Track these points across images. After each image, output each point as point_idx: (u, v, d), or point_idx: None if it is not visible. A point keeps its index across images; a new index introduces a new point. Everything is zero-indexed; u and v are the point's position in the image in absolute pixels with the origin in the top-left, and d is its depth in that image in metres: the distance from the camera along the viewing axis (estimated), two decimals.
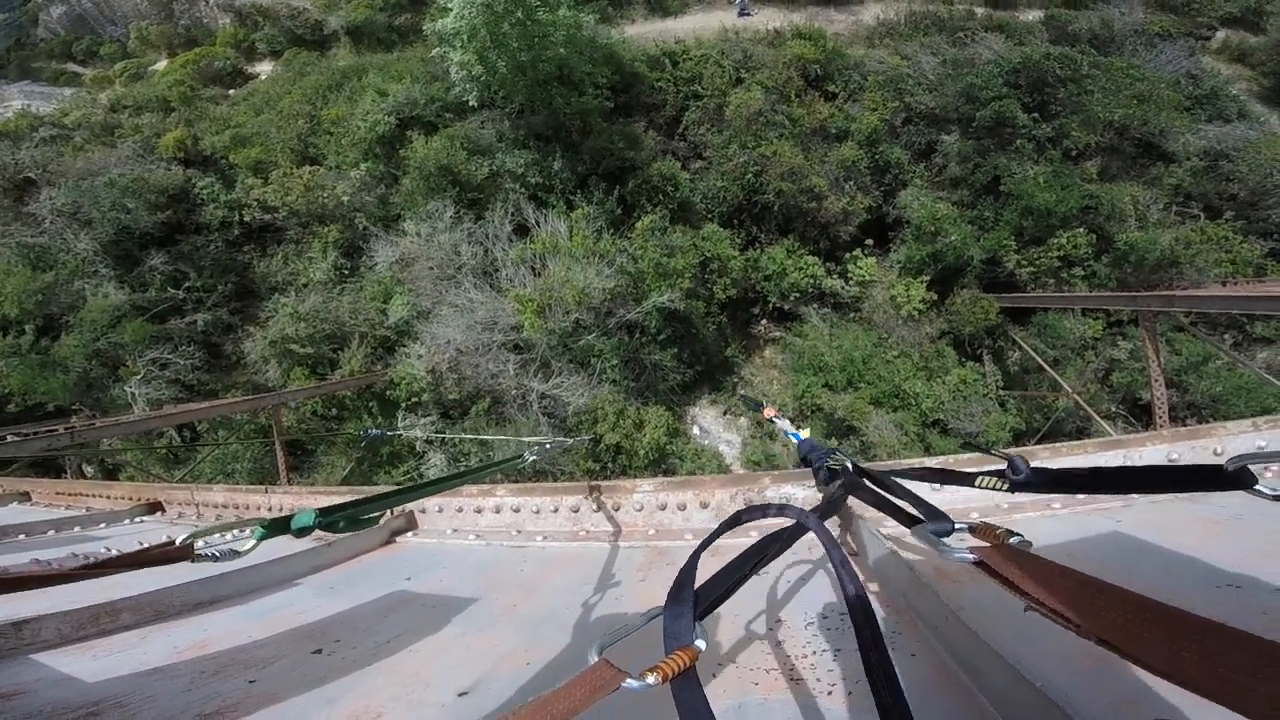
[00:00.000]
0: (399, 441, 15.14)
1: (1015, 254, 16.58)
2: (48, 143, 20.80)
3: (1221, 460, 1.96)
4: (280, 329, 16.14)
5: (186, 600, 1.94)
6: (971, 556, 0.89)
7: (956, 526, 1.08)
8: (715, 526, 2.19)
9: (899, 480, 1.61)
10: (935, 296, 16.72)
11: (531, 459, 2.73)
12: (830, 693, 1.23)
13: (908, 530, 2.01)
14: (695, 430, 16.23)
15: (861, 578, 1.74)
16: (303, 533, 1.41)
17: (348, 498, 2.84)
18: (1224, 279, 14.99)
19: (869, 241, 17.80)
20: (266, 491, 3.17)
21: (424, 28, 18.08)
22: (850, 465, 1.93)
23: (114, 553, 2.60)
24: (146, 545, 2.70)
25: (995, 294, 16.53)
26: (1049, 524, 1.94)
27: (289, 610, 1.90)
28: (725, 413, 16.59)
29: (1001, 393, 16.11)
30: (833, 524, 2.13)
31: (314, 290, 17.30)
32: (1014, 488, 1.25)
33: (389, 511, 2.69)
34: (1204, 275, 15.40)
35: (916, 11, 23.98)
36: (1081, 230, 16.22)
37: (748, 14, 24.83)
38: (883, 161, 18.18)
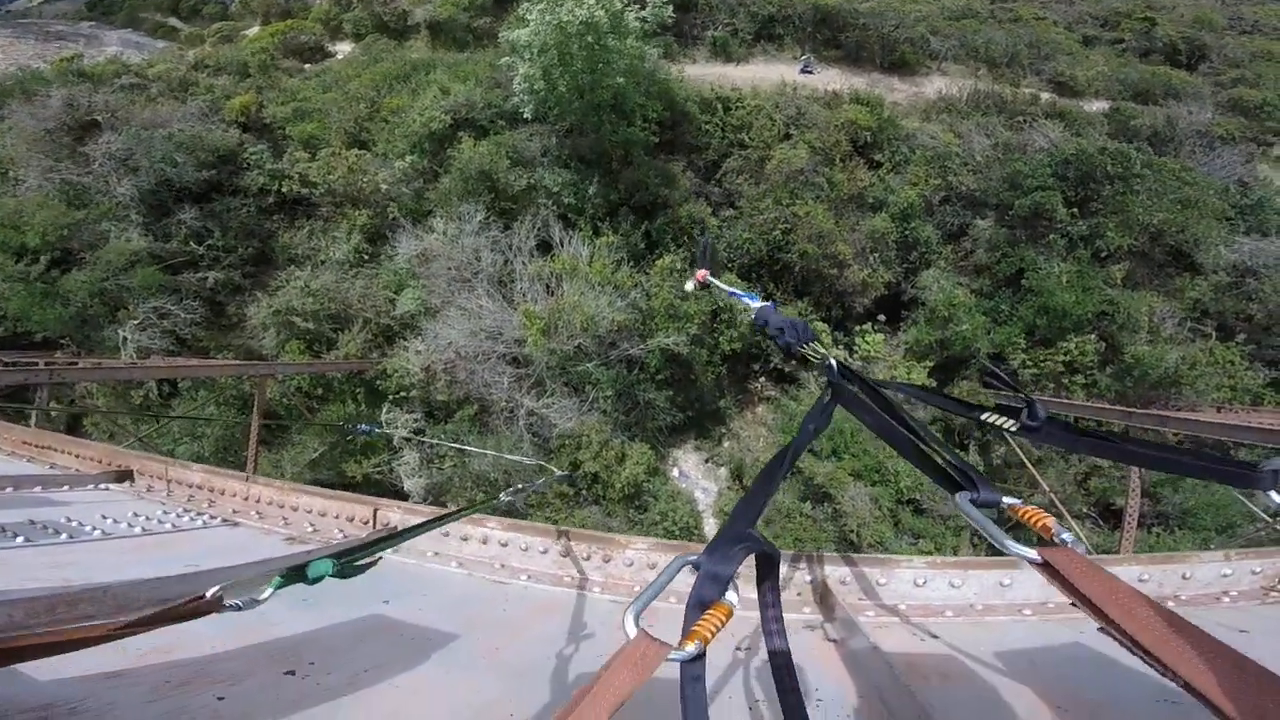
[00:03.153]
0: (377, 434, 14.99)
1: (1022, 353, 16.58)
2: (125, 90, 21.28)
3: (1189, 579, 2.08)
4: (287, 300, 16.13)
5: (153, 597, 1.82)
6: (1036, 557, 0.80)
7: (1000, 502, 0.96)
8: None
9: (894, 394, 1.48)
10: (935, 383, 16.68)
11: (508, 500, 2.66)
12: None
13: (888, 622, 2.01)
14: (675, 472, 16.16)
15: (838, 667, 1.76)
16: (318, 580, 1.33)
17: (329, 500, 2.79)
18: (1220, 404, 15.17)
19: (881, 317, 17.89)
20: (247, 480, 3.06)
21: (500, 34, 18.54)
22: (834, 363, 1.70)
23: (74, 523, 2.52)
24: (109, 518, 2.62)
25: (993, 390, 16.46)
26: (1016, 629, 1.98)
27: (260, 621, 1.80)
28: (707, 460, 16.56)
29: None
30: (813, 607, 2.09)
31: (330, 269, 17.37)
32: (1023, 430, 1.20)
33: (372, 523, 2.63)
34: (1202, 398, 15.47)
35: (980, 90, 23.95)
36: (1092, 337, 16.24)
37: (810, 72, 25.00)
38: (912, 238, 18.18)
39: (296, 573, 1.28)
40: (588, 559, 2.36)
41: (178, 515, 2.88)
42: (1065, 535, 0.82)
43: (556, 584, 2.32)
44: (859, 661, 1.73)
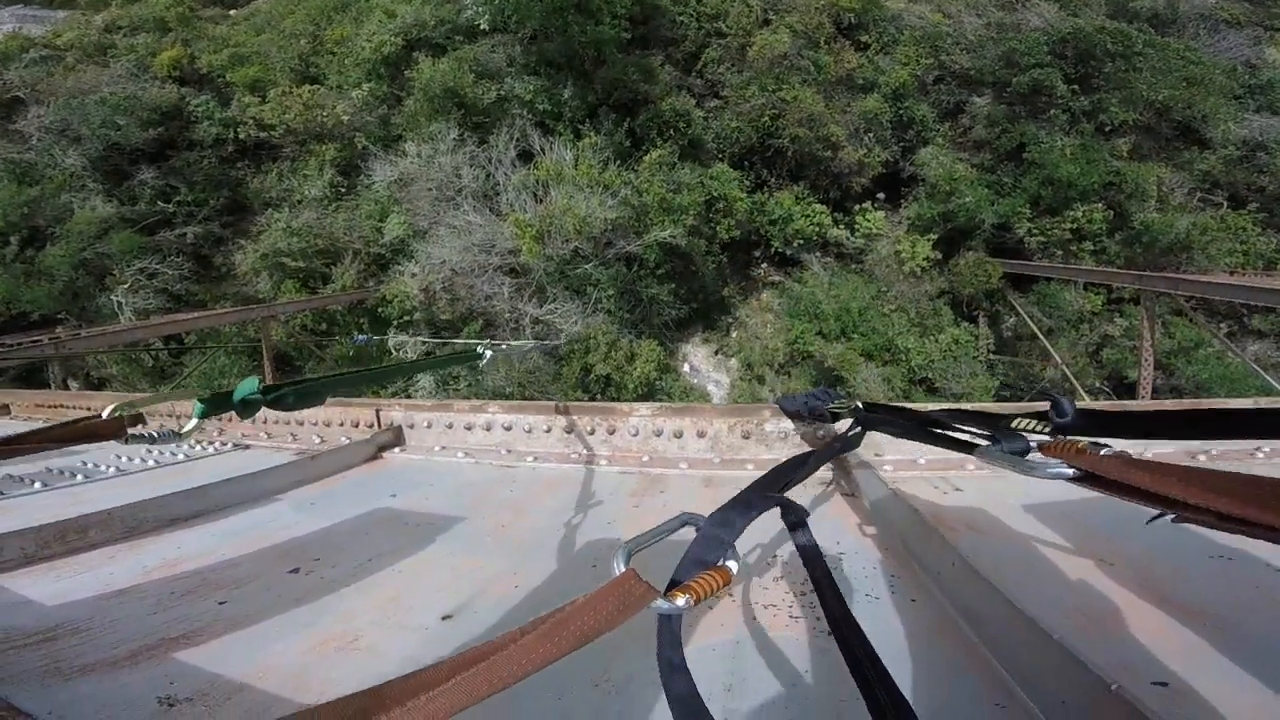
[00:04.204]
0: (387, 361, 15.13)
1: (1028, 222, 16.36)
2: (38, 63, 20.54)
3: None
4: (272, 242, 16.05)
5: (161, 516, 1.87)
6: (1070, 471, 0.77)
7: (1031, 446, 0.93)
8: (710, 457, 2.17)
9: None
10: (940, 256, 16.58)
11: (489, 355, 2.63)
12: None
13: (908, 476, 2.00)
14: (686, 368, 16.30)
15: (858, 519, 1.71)
16: (247, 408, 1.27)
17: (332, 409, 2.78)
18: (1233, 269, 14.93)
19: (880, 195, 17.57)
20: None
21: None
22: (860, 404, 1.82)
23: (90, 465, 2.55)
24: (123, 457, 2.65)
25: (1001, 259, 16.36)
26: (1043, 486, 1.88)
27: (267, 527, 1.84)
28: (716, 352, 16.63)
29: (992, 356, 16.13)
30: (828, 463, 2.08)
31: (308, 206, 17.16)
32: (1057, 430, 1.10)
33: (376, 425, 2.62)
34: (1214, 263, 15.33)
35: None
36: (1099, 206, 15.96)
37: None
38: (906, 117, 17.74)
39: (222, 398, 1.24)
40: (592, 433, 2.33)
41: (189, 447, 2.89)
42: (1104, 451, 0.78)
43: (563, 461, 2.30)
44: (880, 513, 1.67)
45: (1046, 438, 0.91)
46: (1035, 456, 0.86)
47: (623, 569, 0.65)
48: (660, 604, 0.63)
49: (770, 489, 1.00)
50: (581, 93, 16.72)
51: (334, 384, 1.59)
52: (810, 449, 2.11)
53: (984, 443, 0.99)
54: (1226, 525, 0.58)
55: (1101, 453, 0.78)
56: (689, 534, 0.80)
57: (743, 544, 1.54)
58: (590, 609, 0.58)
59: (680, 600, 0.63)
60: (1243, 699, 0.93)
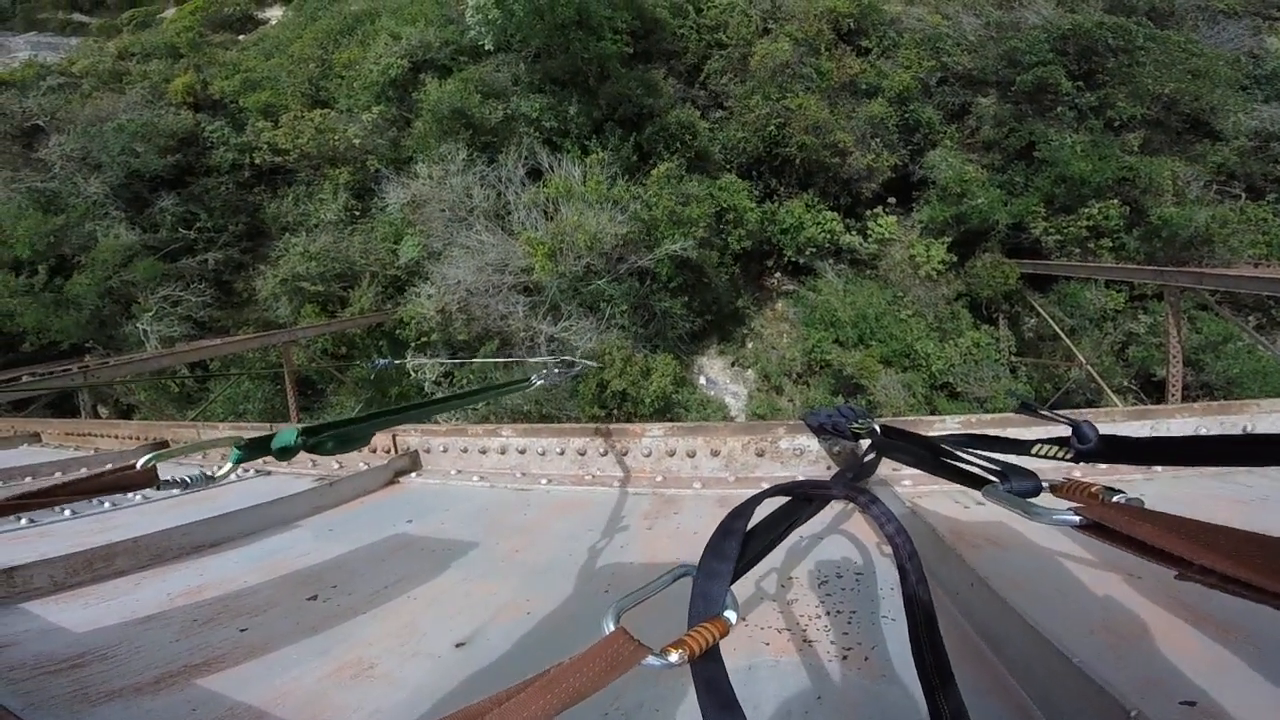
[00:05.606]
0: (407, 384, 15.26)
1: (1044, 221, 16.16)
2: (55, 91, 20.99)
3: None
4: (291, 267, 16.31)
5: (185, 543, 1.91)
6: (1076, 519, 0.74)
7: (1043, 485, 0.90)
8: (725, 476, 2.16)
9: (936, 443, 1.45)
10: (955, 258, 16.39)
11: (539, 383, 2.55)
12: (845, 657, 1.18)
13: (927, 491, 1.97)
14: (702, 380, 16.21)
15: (877, 539, 1.68)
16: (285, 454, 1.27)
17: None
18: (1256, 260, 14.62)
19: (891, 200, 17.41)
20: (273, 429, 3.10)
21: None
22: (878, 427, 1.79)
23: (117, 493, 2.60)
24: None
25: (1018, 259, 16.15)
26: None
27: (287, 554, 1.87)
28: (733, 364, 16.53)
29: (1014, 359, 15.86)
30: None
31: (325, 230, 17.43)
32: (1079, 457, 1.07)
33: (393, 450, 2.65)
34: (1236, 256, 15.00)
35: None
36: (1115, 202, 15.71)
37: None
38: (913, 120, 17.66)
39: (259, 444, 1.26)
40: (605, 454, 2.34)
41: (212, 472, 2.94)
42: (1118, 497, 0.76)
43: (577, 483, 2.31)
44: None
45: (1058, 477, 0.88)
46: (1043, 499, 0.83)
47: (612, 628, 0.64)
48: (652, 661, 0.61)
49: (776, 527, 0.99)
50: (587, 109, 16.84)
51: (373, 424, 1.55)
52: (826, 467, 2.10)
53: (992, 479, 0.97)
54: (1231, 588, 0.55)
55: (1114, 499, 0.76)
56: (687, 584, 0.78)
57: (758, 568, 1.54)
58: (577, 670, 0.57)
59: (673, 656, 0.62)
60: (1274, 717, 0.90)
